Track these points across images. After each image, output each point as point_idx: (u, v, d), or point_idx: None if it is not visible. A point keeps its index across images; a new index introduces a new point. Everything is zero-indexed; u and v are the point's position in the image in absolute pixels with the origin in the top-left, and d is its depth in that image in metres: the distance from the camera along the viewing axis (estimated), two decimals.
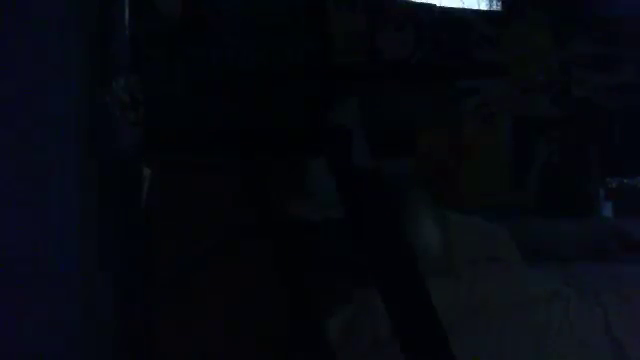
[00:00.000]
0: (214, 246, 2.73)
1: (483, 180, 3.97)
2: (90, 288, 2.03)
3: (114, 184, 2.07)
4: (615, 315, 2.86)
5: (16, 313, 1.99)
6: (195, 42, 2.55)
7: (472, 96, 3.98)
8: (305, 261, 2.80)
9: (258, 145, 2.55)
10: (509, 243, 3.21)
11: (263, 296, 2.74)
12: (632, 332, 2.82)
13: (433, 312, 2.14)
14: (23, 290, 1.99)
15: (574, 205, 3.97)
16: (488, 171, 3.99)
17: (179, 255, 2.67)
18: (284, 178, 2.90)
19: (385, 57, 3.86)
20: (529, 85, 4.07)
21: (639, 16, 4.13)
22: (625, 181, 4.11)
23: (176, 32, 2.50)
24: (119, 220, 2.08)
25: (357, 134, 2.55)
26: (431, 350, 2.15)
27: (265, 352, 2.72)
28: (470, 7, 4.04)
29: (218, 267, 2.71)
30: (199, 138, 2.46)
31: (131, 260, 2.10)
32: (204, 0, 2.59)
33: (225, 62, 2.59)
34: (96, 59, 2.04)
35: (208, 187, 2.70)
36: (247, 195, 2.75)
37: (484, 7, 4.08)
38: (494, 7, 4.09)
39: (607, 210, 4.09)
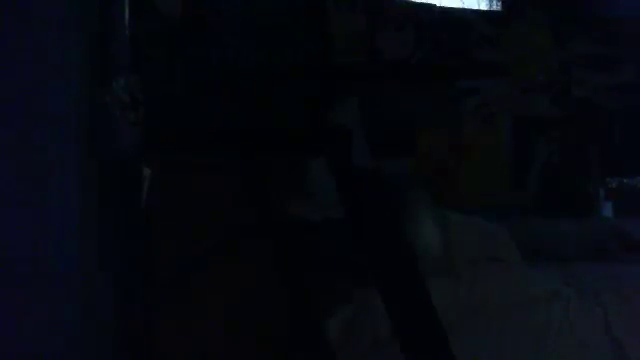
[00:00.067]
0: (214, 246, 2.73)
1: (483, 180, 3.97)
2: (90, 288, 2.03)
3: (114, 184, 2.07)
4: (615, 315, 2.86)
5: (16, 313, 1.99)
6: (195, 42, 2.55)
7: (472, 96, 3.98)
8: (305, 261, 2.80)
9: (258, 145, 2.55)
10: (509, 243, 3.21)
11: (263, 296, 2.74)
12: (632, 332, 2.82)
13: (433, 312, 2.14)
14: (23, 290, 1.99)
15: (574, 205, 3.97)
16: (488, 171, 3.99)
17: (179, 255, 2.67)
18: (284, 178, 2.90)
19: (385, 57, 3.86)
20: (529, 85, 4.07)
21: (639, 16, 4.13)
22: (625, 181, 4.11)
23: (176, 32, 2.50)
24: (119, 220, 2.08)
25: (357, 134, 2.55)
26: (431, 350, 2.15)
27: (265, 352, 2.72)
28: (470, 7, 4.05)
29: (218, 267, 2.71)
30: (199, 138, 2.46)
31: (131, 260, 2.10)
32: (204, 0, 2.59)
33: (225, 62, 2.59)
34: (96, 59, 2.04)
35: (208, 187, 2.70)
36: (247, 195, 2.75)
37: (484, 7, 4.08)
38: (494, 7, 4.09)
39: (607, 210, 4.09)
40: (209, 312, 2.69)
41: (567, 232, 3.60)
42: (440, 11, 3.97)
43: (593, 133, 4.13)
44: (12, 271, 1.98)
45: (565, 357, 2.79)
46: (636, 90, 4.11)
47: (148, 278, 2.20)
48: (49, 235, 2.01)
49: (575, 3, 4.17)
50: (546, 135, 4.10)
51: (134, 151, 2.06)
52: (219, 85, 2.57)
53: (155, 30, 2.42)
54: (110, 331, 2.05)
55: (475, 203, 3.75)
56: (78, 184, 2.03)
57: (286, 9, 2.73)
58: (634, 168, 4.11)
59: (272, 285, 2.74)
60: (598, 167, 4.12)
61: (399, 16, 3.91)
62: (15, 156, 2.00)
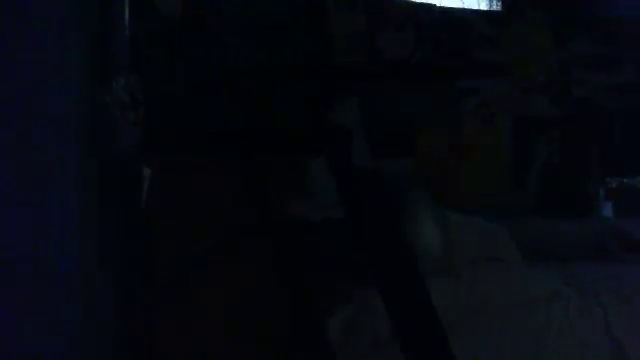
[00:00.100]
0: (214, 246, 2.73)
1: (483, 180, 3.97)
2: (90, 288, 2.03)
3: (114, 184, 2.07)
4: (615, 315, 2.86)
5: (16, 313, 1.99)
6: (195, 42, 2.54)
7: (472, 96, 3.98)
8: (305, 261, 2.80)
9: (258, 145, 2.55)
10: (509, 243, 3.21)
11: (263, 296, 2.74)
12: (632, 332, 2.82)
13: (433, 312, 2.14)
14: (23, 290, 1.99)
15: (574, 205, 3.97)
16: (488, 171, 3.99)
17: (179, 255, 2.66)
18: (284, 178, 2.90)
19: (385, 57, 3.86)
20: (529, 85, 4.08)
21: (639, 16, 4.13)
22: (625, 181, 4.11)
23: (176, 32, 2.50)
24: (119, 220, 2.08)
25: (357, 134, 2.55)
26: (431, 350, 2.15)
27: (265, 352, 2.72)
28: (470, 7, 4.05)
29: (218, 267, 2.71)
30: (199, 138, 2.46)
31: (131, 260, 2.10)
32: (204, 0, 2.59)
33: (225, 62, 2.59)
34: (96, 59, 2.04)
35: (208, 187, 2.70)
36: (247, 195, 2.75)
37: (484, 7, 4.08)
38: (494, 7, 4.10)
39: (607, 210, 4.09)
40: (209, 312, 2.69)
41: (567, 232, 3.60)
42: (440, 11, 3.97)
43: (593, 133, 4.13)
44: (12, 271, 1.98)
45: (565, 357, 2.79)
46: (636, 90, 4.11)
47: (148, 278, 2.20)
48: (49, 235, 2.01)
49: (575, 3, 4.17)
50: (546, 135, 4.10)
51: (134, 151, 2.06)
52: (219, 85, 2.57)
53: (155, 30, 2.42)
54: (110, 331, 2.04)
55: (475, 203, 3.75)
56: (78, 184, 2.03)
57: (286, 9, 2.73)
58: (634, 168, 4.11)
59: (272, 285, 2.74)
60: (598, 167, 4.12)
61: (399, 16, 3.91)
62: (15, 156, 2.00)
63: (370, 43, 3.85)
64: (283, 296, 2.76)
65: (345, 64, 3.68)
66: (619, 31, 4.14)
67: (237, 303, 2.72)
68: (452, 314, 2.57)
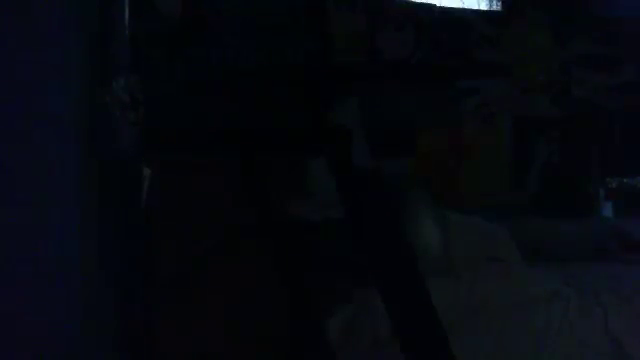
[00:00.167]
0: (214, 246, 2.73)
1: (483, 180, 3.97)
2: (90, 288, 2.03)
3: (114, 184, 2.07)
4: (615, 315, 2.86)
5: (16, 313, 1.98)
6: (195, 42, 2.55)
7: (472, 96, 3.98)
8: (305, 261, 2.80)
9: (258, 145, 2.55)
10: (509, 243, 3.21)
11: (263, 296, 2.74)
12: (632, 332, 2.82)
13: (433, 312, 2.14)
14: (23, 290, 1.99)
15: (574, 205, 3.97)
16: (488, 171, 3.99)
17: (179, 255, 2.67)
18: (284, 178, 2.90)
19: (385, 57, 3.86)
20: (529, 85, 4.07)
21: (639, 16, 4.13)
22: (625, 181, 4.11)
23: (176, 32, 2.50)
24: (119, 220, 2.08)
25: (357, 134, 2.55)
26: (431, 350, 2.15)
27: (265, 352, 2.72)
28: (470, 7, 4.05)
29: (218, 267, 2.71)
30: (199, 138, 2.46)
31: (131, 260, 2.10)
32: (204, 0, 2.59)
33: (225, 62, 2.59)
34: (96, 59, 2.04)
35: (208, 187, 2.70)
36: (247, 195, 2.75)
37: (484, 7, 4.08)
38: (494, 7, 4.09)
39: (607, 210, 4.09)
40: (209, 312, 2.69)
41: (567, 232, 3.60)
42: (440, 11, 3.97)
43: (593, 133, 4.13)
44: (12, 271, 1.98)
45: (565, 357, 2.79)
46: (636, 90, 4.11)
47: (148, 278, 2.20)
48: (49, 235, 2.01)
49: (575, 3, 4.17)
50: (546, 135, 4.10)
51: (134, 151, 2.06)
52: (219, 85, 2.57)
53: (155, 30, 2.42)
54: (110, 331, 2.04)
55: (475, 203, 3.75)
56: (78, 184, 2.03)
57: (286, 9, 2.73)
58: (634, 168, 4.11)
59: (272, 285, 2.74)
60: (598, 167, 4.12)
61: (399, 16, 3.91)
62: (15, 156, 2.00)
63: (370, 43, 3.85)
64: (283, 296, 2.76)
65: (345, 64, 3.68)
66: (619, 31, 4.14)
67: (237, 303, 2.72)
68: (452, 314, 2.57)
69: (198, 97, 2.50)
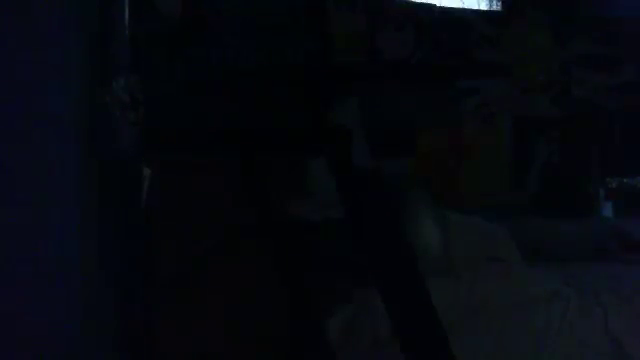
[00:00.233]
0: (214, 246, 2.73)
1: (483, 180, 3.97)
2: (90, 288, 2.02)
3: (114, 184, 2.07)
4: (615, 315, 2.86)
5: (16, 313, 1.98)
6: (195, 42, 2.55)
7: (472, 96, 3.98)
8: (305, 261, 2.80)
9: (258, 145, 2.55)
10: (509, 243, 3.21)
11: (263, 296, 2.74)
12: (632, 332, 2.82)
13: (433, 312, 2.14)
14: (23, 290, 1.99)
15: (574, 205, 3.97)
16: (488, 171, 3.99)
17: (179, 255, 2.67)
18: (284, 178, 2.90)
19: (385, 57, 3.86)
20: (529, 85, 4.07)
21: (639, 16, 4.13)
22: (625, 181, 4.11)
23: (176, 32, 2.50)
24: (119, 220, 2.08)
25: (357, 134, 2.55)
26: (431, 350, 2.15)
27: (265, 352, 2.72)
28: (470, 7, 4.05)
29: (218, 267, 2.71)
30: (199, 138, 2.46)
31: (131, 260, 2.10)
32: (204, 0, 2.59)
33: (225, 62, 2.59)
34: (96, 59, 2.04)
35: (208, 187, 2.70)
36: (247, 195, 2.75)
37: (484, 7, 4.08)
38: (494, 7, 4.09)
39: (607, 210, 4.09)
40: (209, 312, 2.69)
41: (567, 232, 3.60)
42: (440, 11, 3.97)
43: (593, 133, 4.13)
44: (12, 271, 1.98)
45: (565, 357, 2.79)
46: (636, 90, 4.11)
47: (148, 278, 2.20)
48: (49, 235, 2.01)
49: (575, 3, 4.17)
50: (546, 135, 4.10)
51: (134, 151, 2.06)
52: (219, 85, 2.57)
53: (155, 30, 2.42)
54: (110, 331, 2.04)
55: (475, 203, 3.75)
56: (78, 184, 2.03)
57: (286, 9, 2.73)
58: (634, 168, 4.11)
59: (272, 285, 2.74)
60: (598, 167, 4.12)
61: (399, 16, 3.91)
62: (15, 156, 2.00)
63: (370, 43, 3.85)
64: (283, 296, 2.76)
65: (345, 64, 3.68)
66: (619, 31, 4.14)
67: (237, 303, 2.72)
68: (452, 314, 2.57)
69: (198, 97, 2.50)
